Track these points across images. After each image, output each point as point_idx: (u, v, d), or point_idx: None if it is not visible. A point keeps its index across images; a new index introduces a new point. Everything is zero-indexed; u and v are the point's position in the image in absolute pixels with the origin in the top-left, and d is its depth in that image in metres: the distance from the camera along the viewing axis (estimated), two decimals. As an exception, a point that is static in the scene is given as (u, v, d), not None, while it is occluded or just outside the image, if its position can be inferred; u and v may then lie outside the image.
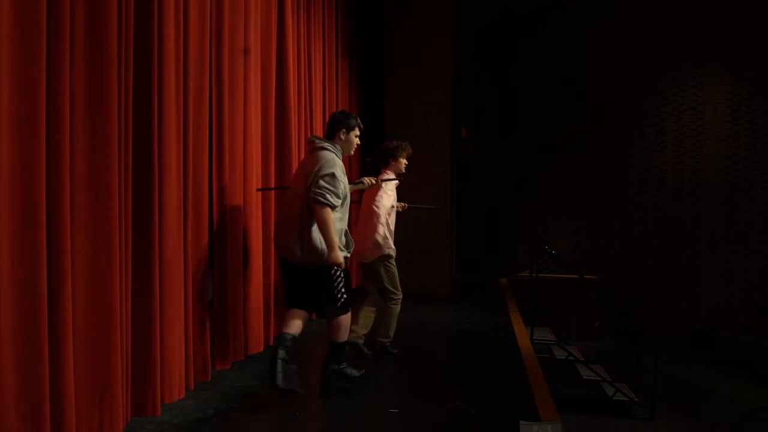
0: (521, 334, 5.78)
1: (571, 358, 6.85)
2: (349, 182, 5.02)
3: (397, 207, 4.98)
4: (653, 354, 6.49)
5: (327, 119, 6.27)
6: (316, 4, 5.98)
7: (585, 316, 9.13)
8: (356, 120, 3.85)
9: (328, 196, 3.49)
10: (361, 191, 4.71)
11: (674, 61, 10.52)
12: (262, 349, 4.45)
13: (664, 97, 10.61)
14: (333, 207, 3.52)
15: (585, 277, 7.44)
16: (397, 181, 4.74)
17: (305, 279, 3.70)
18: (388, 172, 4.77)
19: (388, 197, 4.59)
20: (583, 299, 8.98)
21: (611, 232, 10.85)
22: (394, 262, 4.76)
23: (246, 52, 4.21)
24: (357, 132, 3.85)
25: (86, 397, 2.63)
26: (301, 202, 3.61)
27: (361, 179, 4.45)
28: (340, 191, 3.56)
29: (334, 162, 3.61)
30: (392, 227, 4.78)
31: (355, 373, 3.87)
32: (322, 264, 3.58)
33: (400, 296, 4.79)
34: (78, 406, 2.55)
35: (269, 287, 4.74)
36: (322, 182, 3.51)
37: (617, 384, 6.58)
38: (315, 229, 3.57)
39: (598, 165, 10.84)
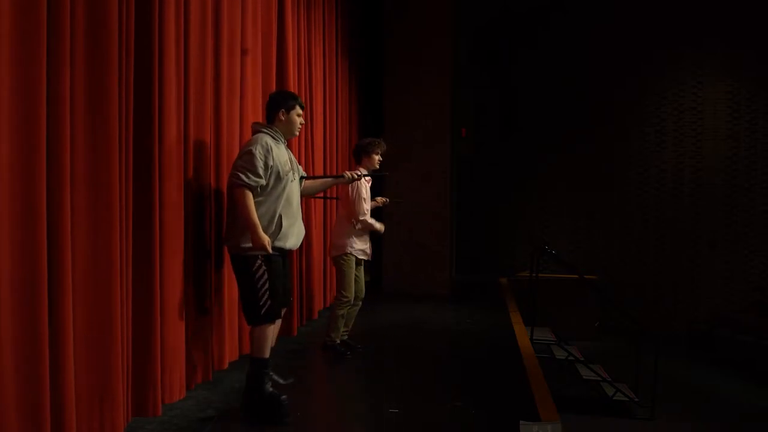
0: (521, 334, 5.79)
1: (571, 358, 6.85)
2: (328, 176, 4.98)
3: (378, 202, 4.95)
4: (653, 354, 6.49)
5: (327, 119, 6.35)
6: (316, 4, 5.98)
7: (585, 316, 9.13)
8: (296, 99, 3.58)
9: (242, 175, 3.26)
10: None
11: (674, 61, 10.52)
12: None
13: (664, 97, 10.61)
14: (251, 187, 3.27)
15: (585, 277, 7.44)
16: (369, 177, 4.70)
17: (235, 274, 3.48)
18: (361, 168, 4.73)
19: (364, 201, 4.58)
20: (583, 299, 8.98)
21: (611, 232, 10.86)
22: (351, 263, 4.64)
23: (246, 52, 4.21)
24: (299, 111, 3.56)
25: (86, 397, 2.63)
26: None
27: (343, 173, 4.32)
28: (260, 169, 3.28)
29: (257, 141, 3.37)
30: (366, 232, 4.74)
31: (274, 395, 3.32)
32: (237, 252, 3.36)
33: (348, 300, 4.62)
34: (78, 406, 2.55)
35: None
36: (238, 162, 3.32)
37: (617, 384, 6.58)
38: (232, 212, 3.39)
39: (598, 165, 10.84)
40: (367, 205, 4.66)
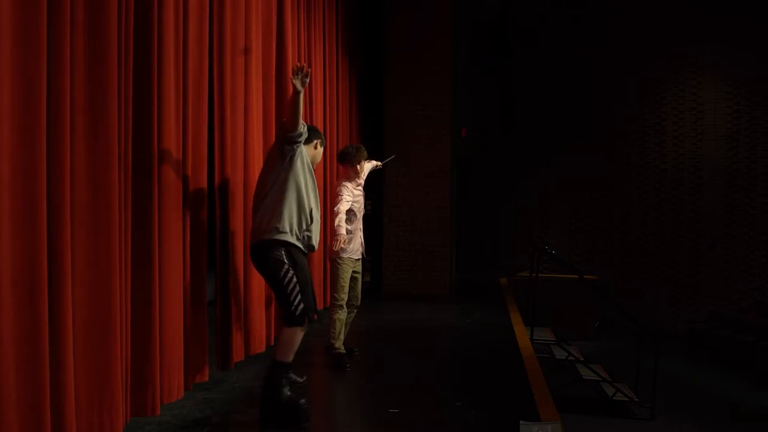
0: (521, 334, 5.79)
1: (571, 358, 6.85)
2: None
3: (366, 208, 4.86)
4: (653, 354, 6.49)
5: (327, 119, 6.34)
6: (316, 4, 5.98)
7: (585, 316, 9.13)
8: (318, 135, 3.75)
9: (287, 125, 3.35)
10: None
11: (674, 61, 10.53)
12: (263, 349, 4.44)
13: (664, 98, 10.62)
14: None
15: (585, 277, 7.44)
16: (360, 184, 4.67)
17: (259, 269, 3.46)
18: (345, 180, 4.61)
19: (345, 203, 4.45)
20: (583, 299, 8.98)
21: (611, 232, 10.86)
22: (345, 266, 4.51)
23: (248, 50, 4.21)
24: (318, 148, 3.76)
25: (86, 397, 2.63)
26: (268, 174, 3.42)
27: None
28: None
29: None
30: (356, 231, 4.59)
31: (293, 399, 3.25)
32: (266, 244, 3.31)
33: (341, 302, 4.47)
34: (78, 406, 2.55)
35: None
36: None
37: (617, 384, 6.58)
38: (271, 194, 3.35)
39: (598, 165, 10.84)
40: (349, 208, 4.51)
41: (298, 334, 3.29)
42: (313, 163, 3.63)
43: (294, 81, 3.18)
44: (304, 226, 3.41)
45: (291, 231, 3.35)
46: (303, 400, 3.24)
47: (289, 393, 3.26)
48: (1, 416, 2.15)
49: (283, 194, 3.34)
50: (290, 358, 3.30)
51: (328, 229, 6.06)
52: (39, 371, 2.27)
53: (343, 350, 4.51)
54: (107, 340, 2.67)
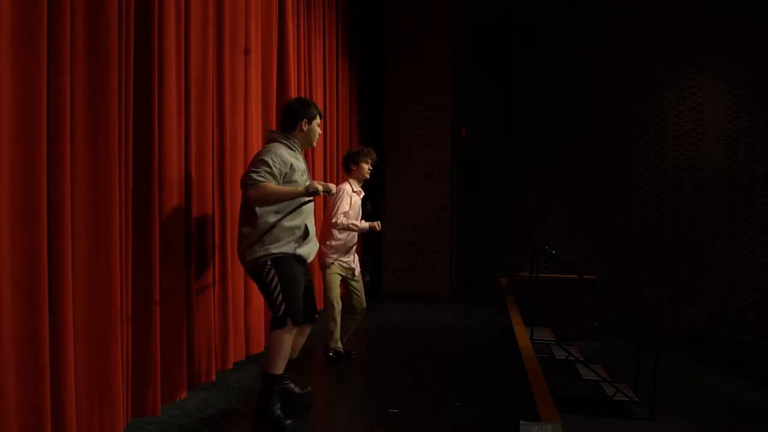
0: (521, 334, 5.79)
1: (571, 358, 6.85)
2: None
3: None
4: (653, 354, 6.49)
5: (327, 119, 6.34)
6: (317, 4, 5.99)
7: (585, 316, 9.13)
8: (316, 108, 3.39)
9: (253, 175, 3.04)
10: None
11: (674, 61, 10.52)
12: (263, 348, 4.44)
13: (664, 98, 10.62)
14: (263, 181, 3.05)
15: (585, 277, 7.44)
16: (359, 191, 4.50)
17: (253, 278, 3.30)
18: (351, 180, 4.48)
19: (341, 216, 4.32)
20: (583, 299, 8.98)
21: (611, 232, 10.86)
22: (333, 271, 4.40)
23: (248, 51, 4.21)
24: (318, 120, 3.39)
25: (86, 396, 2.63)
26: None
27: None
28: (274, 169, 3.08)
29: (269, 150, 3.17)
30: (348, 237, 4.44)
31: (280, 419, 3.08)
32: (249, 267, 3.21)
33: (334, 311, 4.36)
34: (78, 406, 2.55)
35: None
36: (249, 168, 3.13)
37: (617, 384, 6.58)
38: (244, 222, 3.18)
39: (598, 165, 10.84)
40: (347, 211, 4.37)
41: (283, 339, 3.07)
42: (314, 142, 3.44)
43: (320, 191, 3.07)
44: (295, 243, 3.21)
45: (278, 249, 3.17)
46: (289, 422, 3.06)
47: (278, 412, 3.07)
48: (1, 416, 2.15)
49: (271, 212, 3.16)
50: (279, 368, 3.09)
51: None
52: (39, 371, 2.27)
53: (339, 348, 4.47)
54: (107, 340, 2.67)
